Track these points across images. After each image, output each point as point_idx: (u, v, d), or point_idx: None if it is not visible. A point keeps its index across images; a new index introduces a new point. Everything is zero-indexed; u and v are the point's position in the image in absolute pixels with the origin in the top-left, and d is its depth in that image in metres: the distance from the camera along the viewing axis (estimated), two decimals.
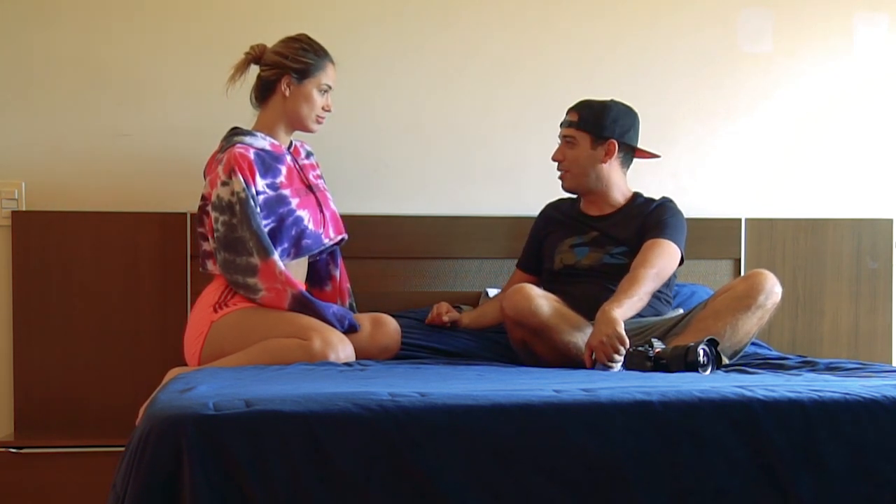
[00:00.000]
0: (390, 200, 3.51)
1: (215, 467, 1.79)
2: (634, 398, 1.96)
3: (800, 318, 3.66)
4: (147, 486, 1.78)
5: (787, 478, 1.93)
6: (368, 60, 3.48)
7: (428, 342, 3.09)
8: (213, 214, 2.94)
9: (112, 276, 3.31)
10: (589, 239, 3.17)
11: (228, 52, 3.07)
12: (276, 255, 2.89)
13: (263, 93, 3.06)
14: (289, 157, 3.08)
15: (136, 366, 3.29)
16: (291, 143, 3.14)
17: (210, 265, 3.02)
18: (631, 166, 3.27)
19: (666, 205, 3.16)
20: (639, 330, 2.97)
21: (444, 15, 3.55)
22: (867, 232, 3.69)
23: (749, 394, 2.00)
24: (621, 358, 2.71)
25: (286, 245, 2.98)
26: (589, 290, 3.04)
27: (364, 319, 3.03)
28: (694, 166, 3.69)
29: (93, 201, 3.35)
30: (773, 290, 2.90)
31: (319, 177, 3.19)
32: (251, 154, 2.95)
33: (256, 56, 3.05)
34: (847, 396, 2.02)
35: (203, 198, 3.02)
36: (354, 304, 3.26)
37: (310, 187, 3.09)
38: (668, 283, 3.10)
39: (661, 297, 3.09)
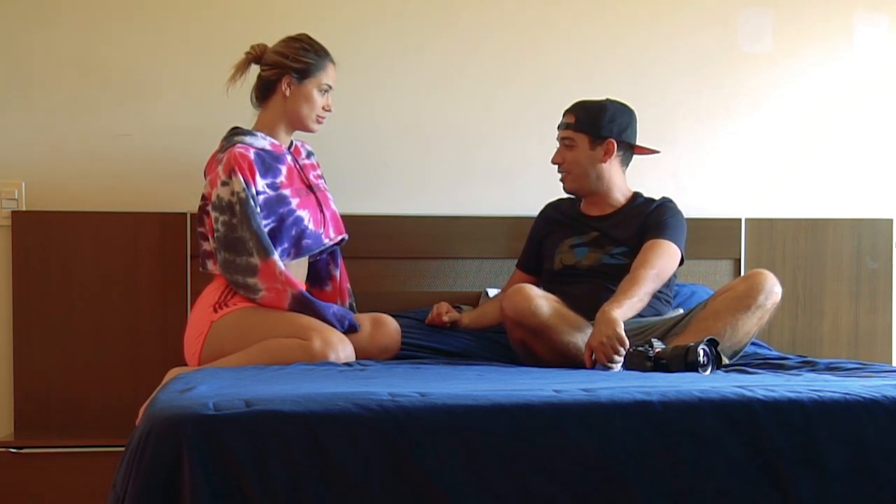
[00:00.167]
0: (390, 200, 3.51)
1: (215, 467, 1.79)
2: (634, 398, 1.96)
3: (800, 318, 3.66)
4: (147, 486, 1.78)
5: (787, 478, 1.93)
6: (368, 60, 3.48)
7: (428, 342, 3.09)
8: (213, 214, 2.94)
9: (112, 276, 3.31)
10: (589, 239, 3.17)
11: (228, 52, 3.07)
12: (276, 256, 2.89)
13: (264, 92, 3.06)
14: (289, 157, 3.08)
15: (136, 366, 3.29)
16: (292, 142, 3.14)
17: (210, 265, 3.02)
18: (632, 166, 3.27)
19: (666, 205, 3.16)
20: (639, 330, 2.97)
21: (444, 15, 3.55)
22: (867, 232, 3.69)
23: (749, 394, 2.00)
24: (621, 358, 2.71)
25: (286, 245, 2.98)
26: (589, 290, 3.04)
27: (364, 319, 3.03)
28: (694, 166, 3.69)
29: (93, 201, 3.35)
30: (772, 290, 2.90)
31: (320, 177, 3.19)
32: (251, 154, 2.95)
33: (257, 56, 3.05)
34: (847, 396, 2.02)
35: (203, 198, 3.02)
36: (354, 304, 3.26)
37: (310, 187, 3.09)
38: (668, 284, 3.10)
39: (661, 298, 3.09)
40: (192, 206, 3.13)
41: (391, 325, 3.04)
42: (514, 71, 3.57)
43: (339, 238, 3.16)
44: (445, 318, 3.18)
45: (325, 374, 2.47)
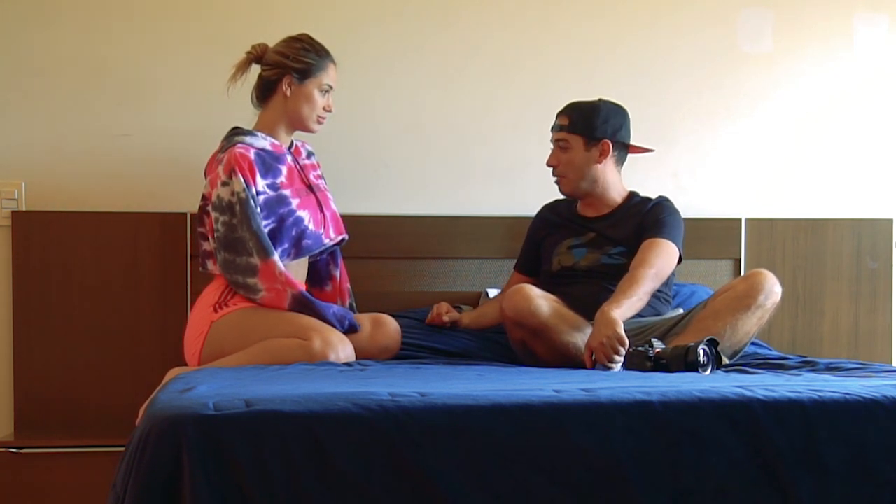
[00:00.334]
0: (390, 200, 3.51)
1: (215, 467, 1.79)
2: (634, 398, 1.96)
3: (800, 318, 3.66)
4: (147, 486, 1.78)
5: (787, 478, 1.93)
6: (368, 60, 3.48)
7: (428, 342, 3.09)
8: (213, 214, 2.94)
9: (112, 276, 3.31)
10: (586, 240, 3.17)
11: (228, 52, 3.07)
12: (276, 256, 2.89)
13: (264, 92, 3.06)
14: (289, 157, 3.08)
15: (136, 366, 3.29)
16: (292, 142, 3.14)
17: (210, 265, 3.02)
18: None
19: (663, 204, 3.16)
20: (639, 330, 2.97)
21: (444, 15, 3.55)
22: (867, 232, 3.69)
23: (749, 394, 2.00)
24: (621, 359, 2.71)
25: (286, 245, 2.98)
26: (588, 291, 3.04)
27: (364, 319, 3.03)
28: (694, 166, 3.69)
29: (93, 201, 3.35)
30: (772, 289, 2.90)
31: (320, 177, 3.19)
32: (251, 154, 2.95)
33: (258, 55, 3.05)
34: (847, 396, 2.03)
35: (203, 198, 3.02)
36: (354, 305, 3.26)
37: (310, 187, 3.09)
38: (667, 283, 3.10)
39: (660, 297, 3.09)
40: (192, 206, 3.13)
41: (391, 325, 3.04)
42: (514, 71, 3.57)
43: (340, 238, 3.16)
44: (445, 318, 3.18)
45: (325, 374, 2.47)
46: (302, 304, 2.90)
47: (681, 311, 3.14)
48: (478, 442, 1.87)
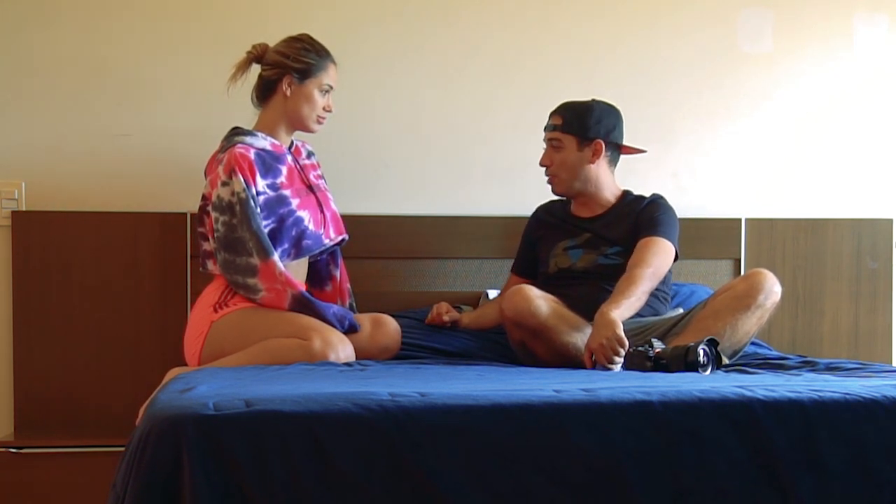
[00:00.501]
0: (390, 200, 3.51)
1: (215, 467, 1.79)
2: (634, 398, 1.96)
3: (800, 318, 3.66)
4: (147, 486, 1.78)
5: (787, 478, 1.93)
6: (368, 60, 3.48)
7: (428, 342, 3.09)
8: (213, 214, 2.94)
9: (112, 276, 3.31)
10: (582, 241, 3.17)
11: (228, 52, 3.07)
12: (275, 256, 2.89)
13: (264, 92, 3.06)
14: (289, 157, 3.08)
15: (136, 366, 3.29)
16: (292, 142, 3.14)
17: (210, 265, 3.02)
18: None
19: (657, 201, 3.16)
20: (638, 330, 2.97)
21: (444, 15, 3.55)
22: (867, 232, 3.69)
23: (749, 394, 2.00)
24: (621, 360, 2.71)
25: (286, 245, 2.98)
26: (586, 291, 3.04)
27: (364, 319, 3.03)
28: (694, 166, 3.69)
29: (93, 201, 3.35)
30: (772, 289, 2.90)
31: (320, 177, 3.19)
32: (251, 154, 2.95)
33: (258, 55, 3.05)
34: (847, 396, 2.02)
35: (203, 198, 3.02)
36: (354, 305, 3.26)
37: (310, 187, 3.09)
38: (665, 281, 3.10)
39: (658, 296, 3.09)
40: (192, 206, 3.13)
41: (391, 325, 3.04)
42: (514, 71, 3.57)
43: (340, 238, 3.16)
44: (445, 318, 3.18)
45: (325, 374, 2.47)
46: (302, 304, 2.90)
47: (680, 310, 3.15)
48: (478, 442, 1.87)
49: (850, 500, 1.96)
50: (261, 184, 2.94)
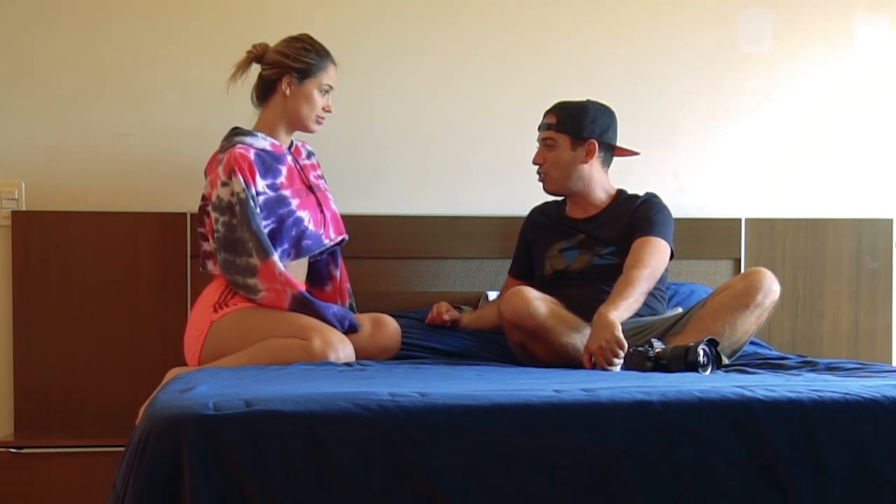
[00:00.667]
0: (390, 200, 3.51)
1: (215, 467, 1.79)
2: (634, 398, 1.96)
3: (800, 318, 3.66)
4: (147, 486, 1.78)
5: (787, 478, 1.93)
6: (368, 60, 3.48)
7: (428, 342, 3.09)
8: (213, 215, 2.94)
9: (112, 276, 3.31)
10: (576, 242, 3.17)
11: (228, 52, 3.07)
12: (275, 256, 2.89)
13: (264, 92, 3.06)
14: (289, 158, 3.08)
15: (136, 366, 3.29)
16: (292, 142, 3.14)
17: (210, 265, 3.02)
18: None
19: (651, 201, 3.16)
20: (637, 330, 2.97)
21: (444, 15, 3.55)
22: (867, 232, 3.69)
23: (749, 394, 2.00)
24: (620, 361, 2.71)
25: (286, 246, 2.97)
26: (583, 293, 3.04)
27: (364, 319, 3.03)
28: (694, 166, 3.69)
29: (93, 201, 3.35)
30: (771, 288, 2.90)
31: (320, 177, 3.19)
32: (251, 154, 2.95)
33: (258, 55, 3.05)
34: (847, 396, 2.02)
35: (203, 198, 3.02)
36: (354, 305, 3.26)
37: (310, 188, 3.09)
38: (662, 279, 3.10)
39: (656, 295, 3.09)
40: (192, 206, 3.13)
41: (391, 325, 3.04)
42: (514, 71, 3.57)
43: (340, 238, 3.15)
44: (446, 317, 3.18)
45: (325, 374, 2.47)
46: (302, 305, 2.90)
47: (679, 310, 3.15)
48: (478, 442, 1.87)
49: (850, 500, 1.96)
50: (260, 184, 2.94)
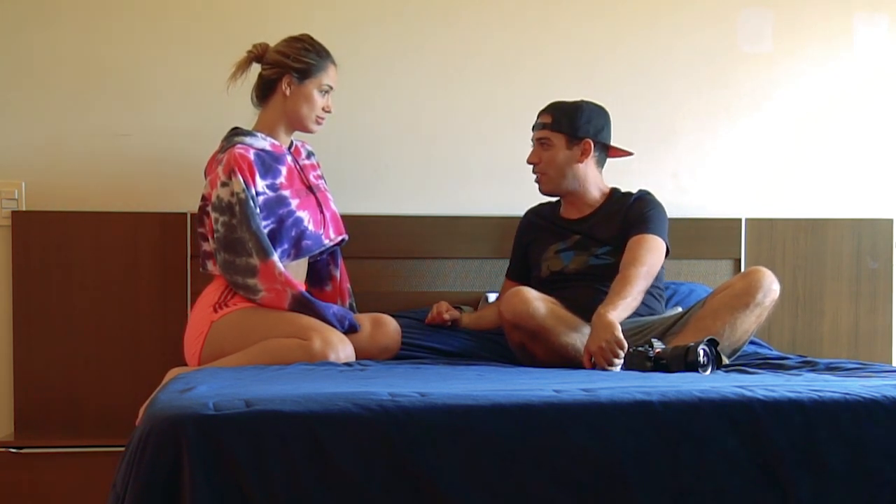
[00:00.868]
0: (390, 200, 3.51)
1: (215, 467, 1.79)
2: (634, 398, 1.96)
3: (800, 318, 3.66)
4: (147, 486, 1.78)
5: (787, 478, 1.93)
6: (368, 60, 3.48)
7: (428, 342, 3.09)
8: (213, 215, 2.94)
9: (112, 276, 3.31)
10: (572, 243, 3.17)
11: (228, 53, 3.07)
12: (275, 256, 2.89)
13: (264, 92, 3.06)
14: (289, 158, 3.08)
15: (136, 366, 3.29)
16: (292, 143, 3.14)
17: (210, 265, 3.02)
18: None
19: (644, 198, 3.16)
20: (637, 329, 2.97)
21: (444, 15, 3.55)
22: (867, 232, 3.69)
23: (749, 394, 2.00)
24: (620, 361, 2.71)
25: (286, 246, 2.97)
26: (580, 293, 3.04)
27: (364, 319, 3.03)
28: (694, 166, 3.69)
29: (93, 201, 3.35)
30: (770, 287, 2.90)
31: (320, 177, 3.19)
32: (251, 154, 2.95)
33: (258, 55, 3.05)
34: (847, 396, 2.02)
35: (203, 198, 3.02)
36: (354, 305, 3.26)
37: (310, 188, 3.09)
38: (659, 277, 3.10)
39: (653, 293, 3.09)
40: (192, 206, 3.13)
41: (391, 325, 3.04)
42: (514, 71, 3.57)
43: (339, 238, 3.16)
44: (446, 316, 3.18)
45: (325, 374, 2.47)
46: (302, 305, 2.90)
47: (679, 309, 3.15)
48: (478, 442, 1.87)
49: (850, 500, 1.96)
50: (260, 184, 2.94)
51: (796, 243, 3.66)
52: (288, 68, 3.01)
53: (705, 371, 2.61)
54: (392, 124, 3.53)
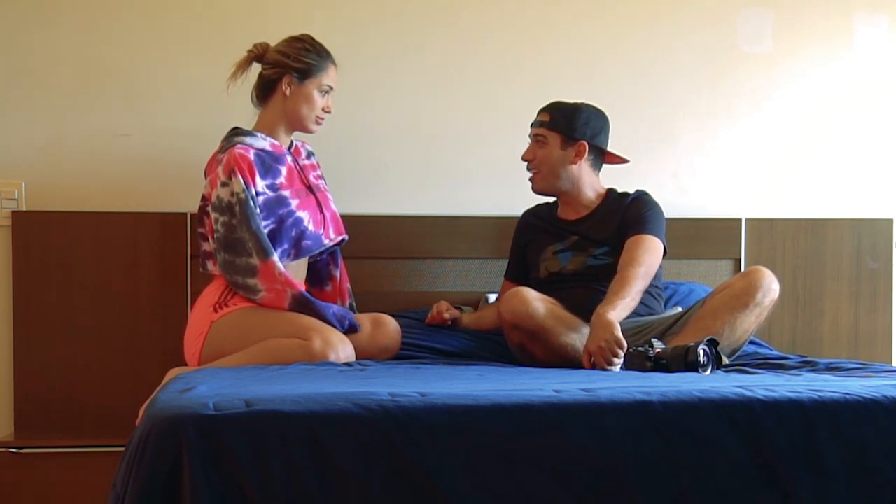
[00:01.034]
0: (390, 200, 3.51)
1: (215, 467, 1.79)
2: (634, 398, 1.96)
3: (800, 318, 3.66)
4: (147, 486, 1.78)
5: (787, 478, 1.93)
6: (368, 60, 3.48)
7: (428, 342, 3.09)
8: (213, 215, 2.94)
9: (112, 276, 3.31)
10: (570, 244, 3.16)
11: (228, 52, 3.07)
12: (275, 256, 2.89)
13: (264, 91, 3.06)
14: (289, 158, 3.08)
15: (136, 366, 3.29)
16: (292, 143, 3.14)
17: (210, 265, 3.02)
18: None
19: (641, 198, 3.16)
20: (636, 329, 2.97)
21: (444, 15, 3.55)
22: (867, 232, 3.69)
23: (749, 394, 2.00)
24: (620, 361, 2.71)
25: (286, 246, 2.98)
26: (579, 294, 3.04)
27: (364, 319, 3.03)
28: (694, 166, 3.69)
29: (93, 201, 3.35)
30: (770, 287, 2.90)
31: (320, 177, 3.19)
32: (251, 154, 2.95)
33: (259, 54, 3.05)
34: (847, 396, 2.03)
35: (203, 198, 3.02)
36: (354, 305, 3.26)
37: (310, 188, 3.09)
38: (657, 277, 3.10)
39: (652, 293, 3.09)
40: (192, 206, 3.13)
41: (391, 325, 3.04)
42: (514, 71, 3.57)
43: (339, 239, 3.16)
44: (446, 315, 3.18)
45: (325, 374, 2.47)
46: (302, 305, 2.90)
47: (679, 309, 3.15)
48: (478, 442, 1.87)
49: (850, 500, 1.96)
50: (260, 184, 2.94)
51: (796, 243, 3.66)
52: (288, 68, 3.01)
53: (705, 371, 2.61)
54: (392, 124, 3.53)
